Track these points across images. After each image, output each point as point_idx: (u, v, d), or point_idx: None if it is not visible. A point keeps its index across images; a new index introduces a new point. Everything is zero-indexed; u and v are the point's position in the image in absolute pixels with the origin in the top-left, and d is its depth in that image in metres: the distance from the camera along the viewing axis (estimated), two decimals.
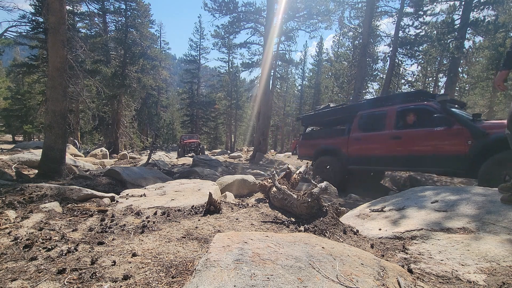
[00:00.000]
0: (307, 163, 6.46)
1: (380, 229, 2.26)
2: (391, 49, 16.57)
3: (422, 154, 4.32)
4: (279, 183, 3.23)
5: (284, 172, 3.81)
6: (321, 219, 2.31)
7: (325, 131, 6.56)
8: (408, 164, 4.52)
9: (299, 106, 34.35)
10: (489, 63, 17.48)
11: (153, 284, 1.29)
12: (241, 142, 38.83)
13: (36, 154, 6.45)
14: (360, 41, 16.40)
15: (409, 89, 20.16)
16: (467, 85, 22.22)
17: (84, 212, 2.64)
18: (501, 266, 1.46)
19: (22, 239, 1.86)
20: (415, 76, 21.60)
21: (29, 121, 23.68)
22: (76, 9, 15.82)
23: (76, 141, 15.62)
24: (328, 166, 5.78)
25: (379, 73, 21.79)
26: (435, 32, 14.92)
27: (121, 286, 1.29)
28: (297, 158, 7.35)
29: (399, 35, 15.86)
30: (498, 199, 2.22)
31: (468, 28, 14.50)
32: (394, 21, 15.94)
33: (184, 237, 1.99)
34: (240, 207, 3.04)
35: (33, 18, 14.49)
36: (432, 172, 4.75)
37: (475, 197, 2.39)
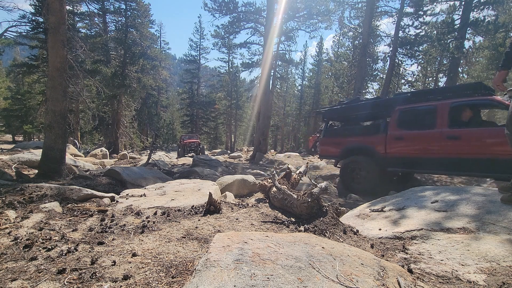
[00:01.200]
0: (307, 163, 6.40)
1: (380, 229, 2.26)
2: (391, 49, 16.57)
3: (489, 158, 3.67)
4: (279, 183, 3.23)
5: (284, 172, 3.81)
6: (321, 219, 2.31)
7: (353, 127, 5.82)
8: (468, 168, 3.90)
9: (299, 106, 34.32)
10: (489, 63, 17.48)
11: (153, 284, 1.29)
12: (241, 142, 38.83)
13: (36, 154, 6.44)
14: (360, 41, 16.40)
15: (409, 89, 20.12)
16: None
17: (84, 212, 2.64)
18: (501, 266, 1.46)
19: (22, 239, 1.86)
20: (415, 76, 21.64)
21: (29, 121, 23.67)
22: (76, 9, 15.83)
23: (76, 141, 15.62)
24: (360, 168, 5.20)
25: (379, 73, 21.80)
26: (435, 32, 14.91)
27: (121, 286, 1.29)
28: (318, 157, 6.77)
29: (399, 35, 15.86)
30: (498, 199, 2.23)
31: (468, 28, 14.48)
32: (394, 21, 15.96)
33: (184, 237, 1.99)
34: (240, 207, 3.04)
35: (33, 18, 14.51)
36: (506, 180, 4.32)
37: (475, 197, 2.39)
